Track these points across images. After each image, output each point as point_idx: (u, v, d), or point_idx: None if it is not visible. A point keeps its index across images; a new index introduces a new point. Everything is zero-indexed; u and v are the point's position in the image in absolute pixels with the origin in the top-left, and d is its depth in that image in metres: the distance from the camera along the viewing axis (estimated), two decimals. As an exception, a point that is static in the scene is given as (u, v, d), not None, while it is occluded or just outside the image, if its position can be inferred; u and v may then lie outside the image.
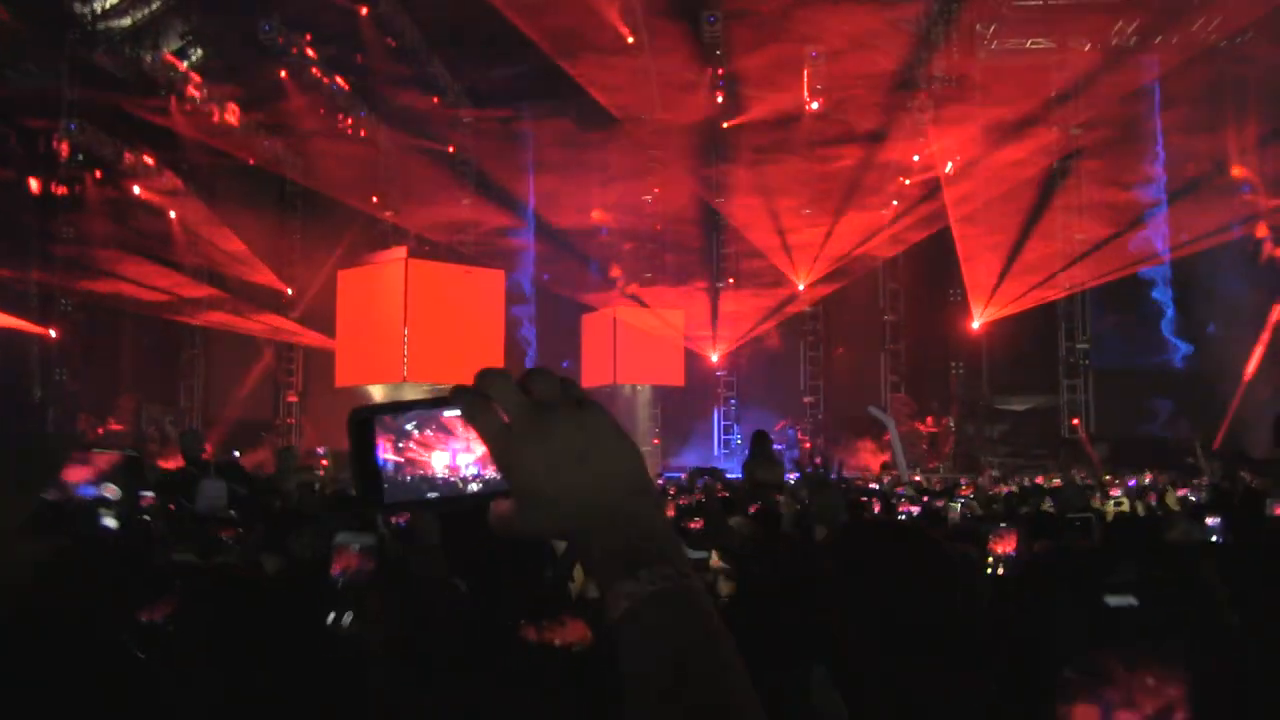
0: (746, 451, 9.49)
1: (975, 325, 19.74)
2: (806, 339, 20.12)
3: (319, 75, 19.76)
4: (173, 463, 17.87)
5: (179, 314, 20.72)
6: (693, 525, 4.55)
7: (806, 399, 20.08)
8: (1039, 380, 19.94)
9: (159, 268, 20.40)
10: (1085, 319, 19.67)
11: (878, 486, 12.27)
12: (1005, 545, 2.90)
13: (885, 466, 18.50)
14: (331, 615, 1.84)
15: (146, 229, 20.58)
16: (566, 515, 0.84)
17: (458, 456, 0.89)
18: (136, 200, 20.27)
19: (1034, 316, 19.54)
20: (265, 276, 21.01)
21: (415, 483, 0.89)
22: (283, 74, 19.83)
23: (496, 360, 19.92)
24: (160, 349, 21.02)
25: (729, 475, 16.07)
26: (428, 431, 0.90)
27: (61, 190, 19.61)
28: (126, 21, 19.24)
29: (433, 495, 0.89)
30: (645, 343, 19.68)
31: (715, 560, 3.73)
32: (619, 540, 0.83)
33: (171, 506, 7.51)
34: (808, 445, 19.80)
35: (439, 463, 0.89)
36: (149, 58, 19.36)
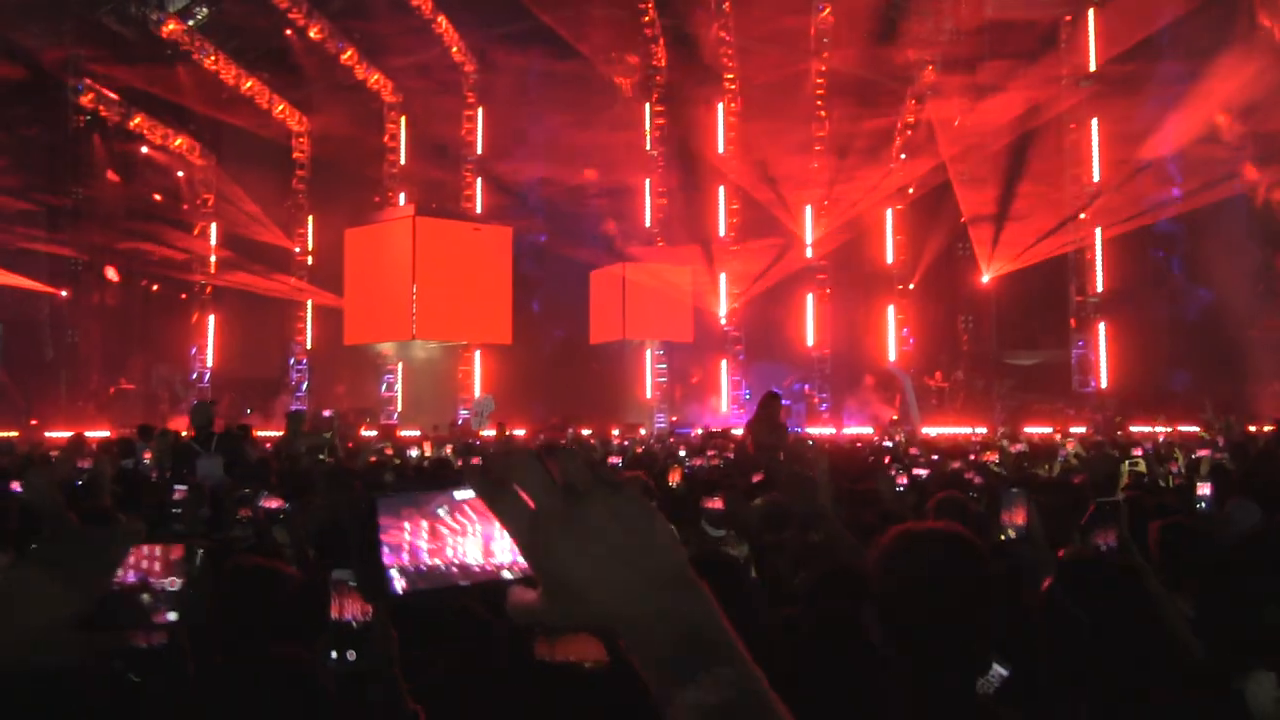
0: (752, 412, 9.33)
1: (985, 279, 19.63)
2: (815, 292, 20.03)
3: (325, 32, 19.72)
4: (183, 424, 18.08)
5: (188, 273, 20.79)
6: (711, 504, 4.31)
7: (814, 353, 20.01)
8: (1049, 334, 19.84)
9: (168, 227, 20.49)
10: (1096, 271, 19.51)
11: (890, 444, 12.09)
12: (1017, 516, 2.79)
13: (895, 422, 18.47)
14: (334, 654, 1.80)
15: (155, 188, 20.66)
16: (598, 610, 0.78)
17: (470, 542, 0.85)
18: (145, 160, 20.34)
19: (1043, 269, 19.40)
20: (274, 235, 21.05)
21: (424, 571, 0.84)
22: (288, 32, 19.81)
23: (505, 318, 19.98)
24: (170, 308, 21.10)
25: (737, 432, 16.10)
26: (460, 517, 0.86)
27: (70, 151, 19.69)
28: (132, -21, 19.22)
29: (442, 584, 0.84)
30: (654, 299, 19.64)
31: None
32: (664, 641, 0.76)
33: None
34: (816, 400, 19.79)
35: (452, 549, 0.85)
36: (155, 17, 19.34)
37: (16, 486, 4.92)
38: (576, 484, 0.79)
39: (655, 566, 0.78)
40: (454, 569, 0.84)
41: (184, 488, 4.94)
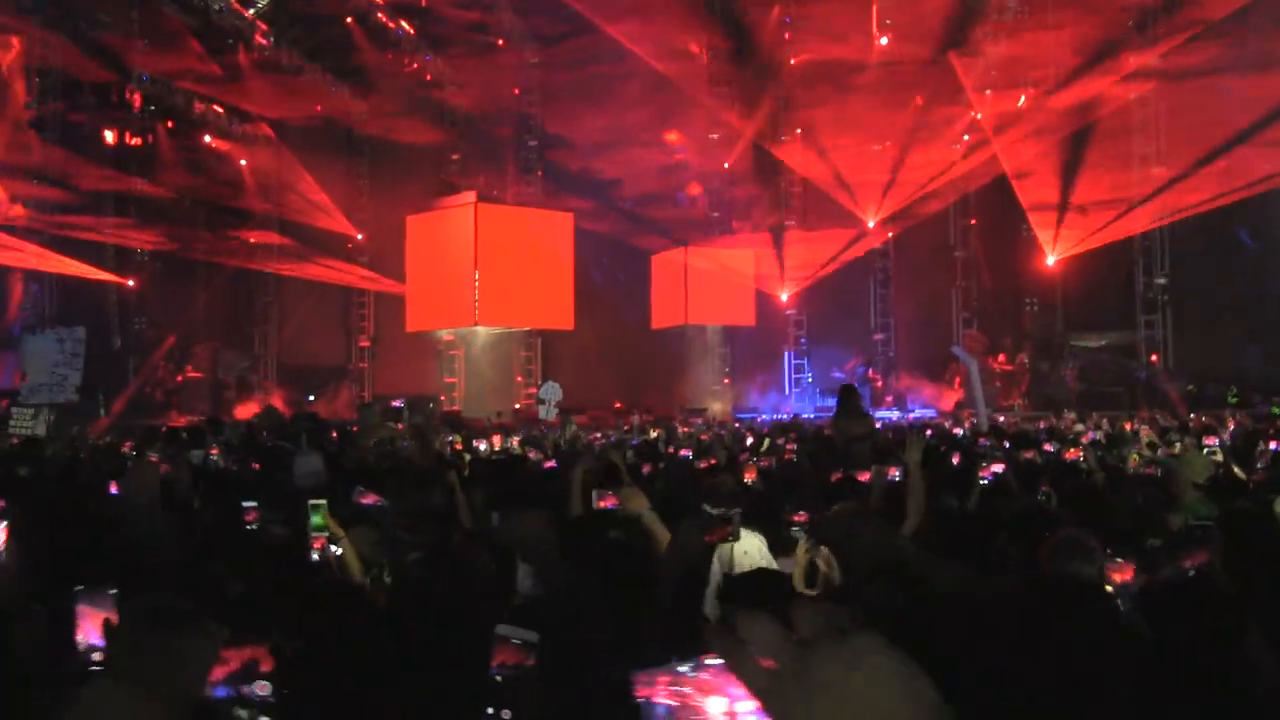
0: (835, 408, 9.07)
1: (1050, 261, 19.45)
2: (877, 276, 19.94)
3: (385, 20, 19.78)
4: (249, 410, 18.28)
5: (252, 261, 20.99)
6: (797, 519, 3.98)
7: (877, 336, 19.95)
8: (1115, 316, 19.64)
9: (232, 216, 20.69)
10: (1164, 253, 19.28)
11: (960, 433, 11.78)
12: (1123, 574, 2.67)
13: (959, 406, 18.39)
14: (490, 710, 1.80)
15: (218, 178, 20.84)
16: None
17: (736, 703, 0.83)
18: (208, 149, 20.52)
19: (1110, 252, 19.18)
20: (336, 223, 21.20)
21: None
22: (349, 20, 19.88)
23: (566, 303, 20.02)
24: (235, 297, 21.32)
25: (804, 417, 16.09)
26: (703, 675, 0.84)
27: (135, 141, 19.90)
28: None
29: None
30: (715, 283, 19.63)
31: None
32: None
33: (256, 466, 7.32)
34: (879, 384, 19.73)
35: (716, 709, 0.83)
36: (217, 7, 19.44)
37: (115, 488, 4.63)
38: (811, 635, 0.76)
39: (899, 710, 0.73)
40: None
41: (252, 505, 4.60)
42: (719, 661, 0.80)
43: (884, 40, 19.54)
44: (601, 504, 3.71)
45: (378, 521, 4.02)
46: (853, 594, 2.85)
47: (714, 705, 0.83)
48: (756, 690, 0.75)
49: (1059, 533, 3.27)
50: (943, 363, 19.24)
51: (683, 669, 0.85)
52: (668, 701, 0.84)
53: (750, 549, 3.74)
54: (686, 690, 0.84)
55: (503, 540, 3.35)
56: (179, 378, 20.57)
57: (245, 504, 4.41)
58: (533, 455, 8.61)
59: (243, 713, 1.17)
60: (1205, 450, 7.50)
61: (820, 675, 0.73)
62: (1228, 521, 3.06)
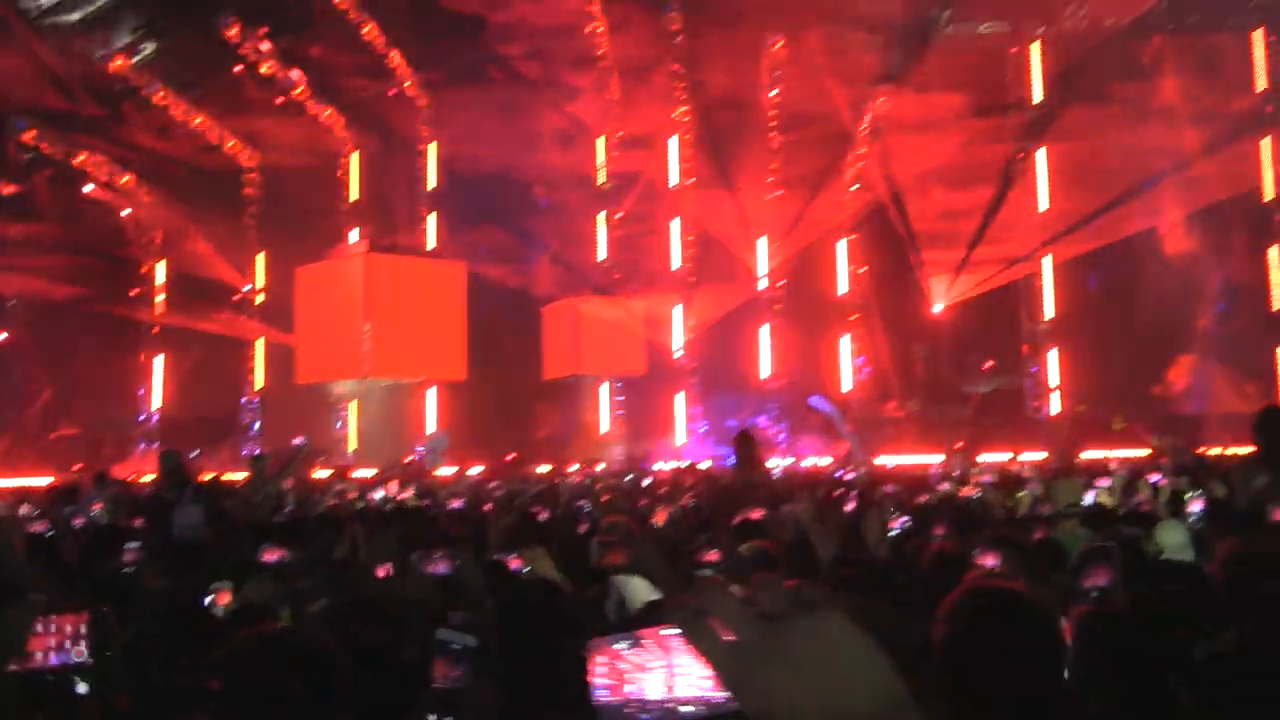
0: (733, 456, 9.26)
1: (937, 308, 19.80)
2: (769, 324, 20.07)
3: (276, 68, 19.59)
4: (129, 467, 17.68)
5: (135, 312, 20.43)
6: (708, 558, 4.20)
7: (770, 384, 20.01)
8: (1002, 360, 20.01)
9: (114, 266, 20.15)
10: (1046, 298, 19.77)
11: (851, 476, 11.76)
12: (1096, 578, 2.68)
13: (849, 455, 18.47)
14: (432, 717, 1.82)
15: (101, 228, 20.32)
16: None
17: (674, 678, 0.85)
18: (89, 199, 20.01)
19: (996, 297, 19.64)
20: (223, 273, 20.76)
21: (636, 711, 0.85)
22: (239, 68, 19.66)
23: (459, 355, 19.81)
24: (116, 349, 20.68)
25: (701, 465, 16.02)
26: (641, 653, 0.87)
27: (11, 189, 19.34)
28: (75, 16, 19.00)
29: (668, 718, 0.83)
30: (607, 333, 19.57)
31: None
32: None
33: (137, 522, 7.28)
34: (773, 432, 19.74)
35: (658, 685, 0.85)
36: (100, 54, 19.13)
37: None
38: (773, 610, 0.77)
39: (863, 688, 0.74)
40: (667, 708, 0.85)
41: (135, 545, 4.71)
42: (662, 635, 0.85)
43: (774, 92, 19.92)
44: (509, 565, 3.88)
45: (277, 573, 4.12)
46: None
47: (652, 681, 0.86)
48: (715, 661, 0.77)
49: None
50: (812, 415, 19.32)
51: (619, 646, 0.88)
52: (606, 680, 0.86)
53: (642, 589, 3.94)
54: (624, 666, 0.87)
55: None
56: (53, 434, 19.83)
57: (128, 545, 4.56)
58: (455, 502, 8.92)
59: (59, 677, 1.10)
60: (1096, 490, 8.30)
61: (781, 647, 0.74)
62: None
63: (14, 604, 0.98)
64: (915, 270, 20.07)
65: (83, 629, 1.16)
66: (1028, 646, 1.74)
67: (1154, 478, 9.33)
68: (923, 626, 1.79)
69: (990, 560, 3.55)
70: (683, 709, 0.83)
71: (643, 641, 0.87)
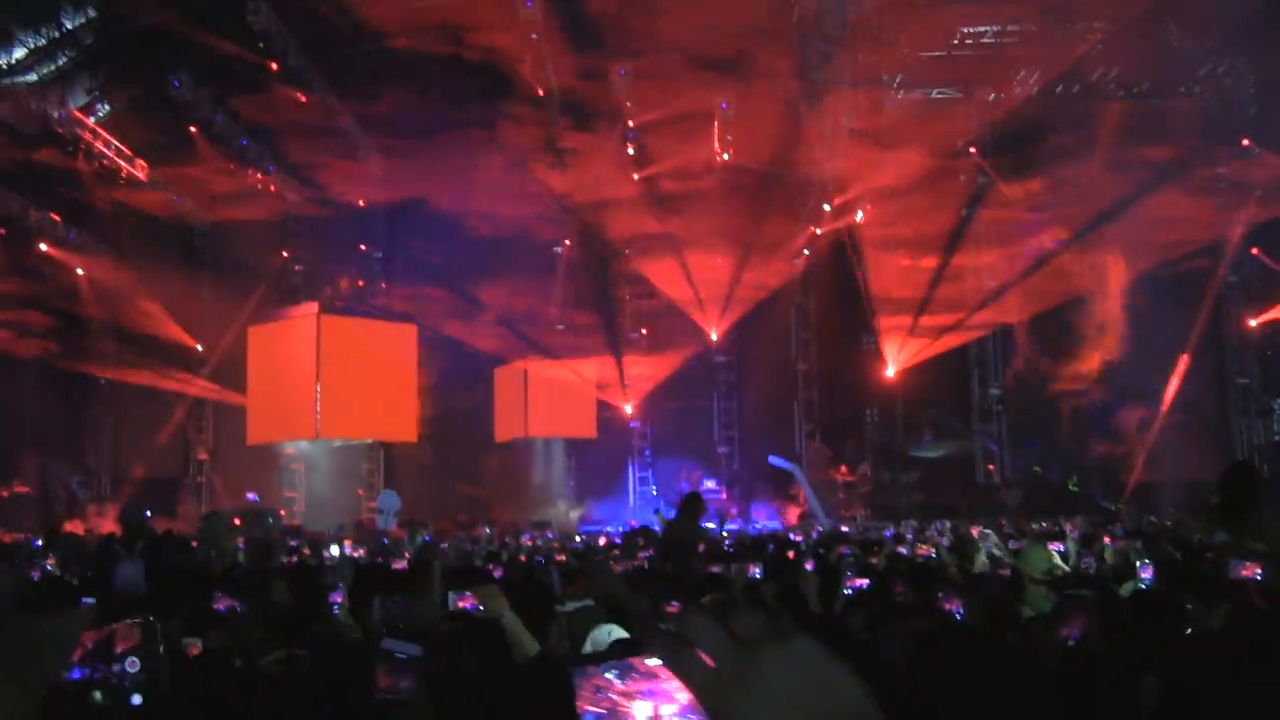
0: (676, 512, 9.32)
1: (889, 373, 19.79)
2: (720, 388, 20.05)
3: (228, 130, 19.65)
4: (79, 525, 17.57)
5: (86, 370, 20.38)
6: (670, 609, 4.43)
7: (721, 449, 19.98)
8: (953, 426, 20.00)
9: (65, 323, 20.11)
10: (997, 363, 19.76)
11: (801, 539, 11.94)
12: (1072, 628, 2.73)
13: (803, 517, 18.42)
14: None
15: (53, 286, 20.29)
16: None
17: (661, 707, 0.85)
18: (43, 256, 20.00)
19: (947, 362, 19.64)
20: (175, 332, 20.73)
21: None
22: (192, 129, 19.72)
23: (410, 415, 19.77)
24: (66, 406, 20.61)
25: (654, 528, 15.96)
26: (629, 681, 0.86)
27: (-36, 247, 19.34)
28: (32, 77, 19.07)
29: None
30: (557, 395, 19.56)
31: None
32: None
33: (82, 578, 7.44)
34: (724, 496, 19.70)
35: (641, 714, 0.85)
36: (56, 114, 19.17)
37: None
38: (751, 637, 0.78)
39: (830, 710, 0.76)
40: None
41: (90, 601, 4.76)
42: (649, 665, 0.84)
43: (725, 156, 19.97)
44: (460, 604, 3.92)
45: (227, 621, 4.28)
46: None
47: (640, 710, 0.84)
48: (696, 687, 0.78)
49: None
50: (782, 475, 19.30)
51: (609, 675, 0.85)
52: (595, 710, 0.84)
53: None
54: (613, 696, 0.84)
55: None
56: (3, 492, 19.74)
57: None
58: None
59: (98, 694, 1.14)
60: (1048, 555, 8.41)
61: (759, 674, 0.76)
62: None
63: (65, 613, 0.98)
64: (868, 334, 20.09)
65: (135, 640, 1.19)
66: (989, 681, 1.82)
67: (1108, 541, 9.57)
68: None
69: (954, 606, 3.61)
70: None
71: (632, 670, 0.85)
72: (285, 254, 21.26)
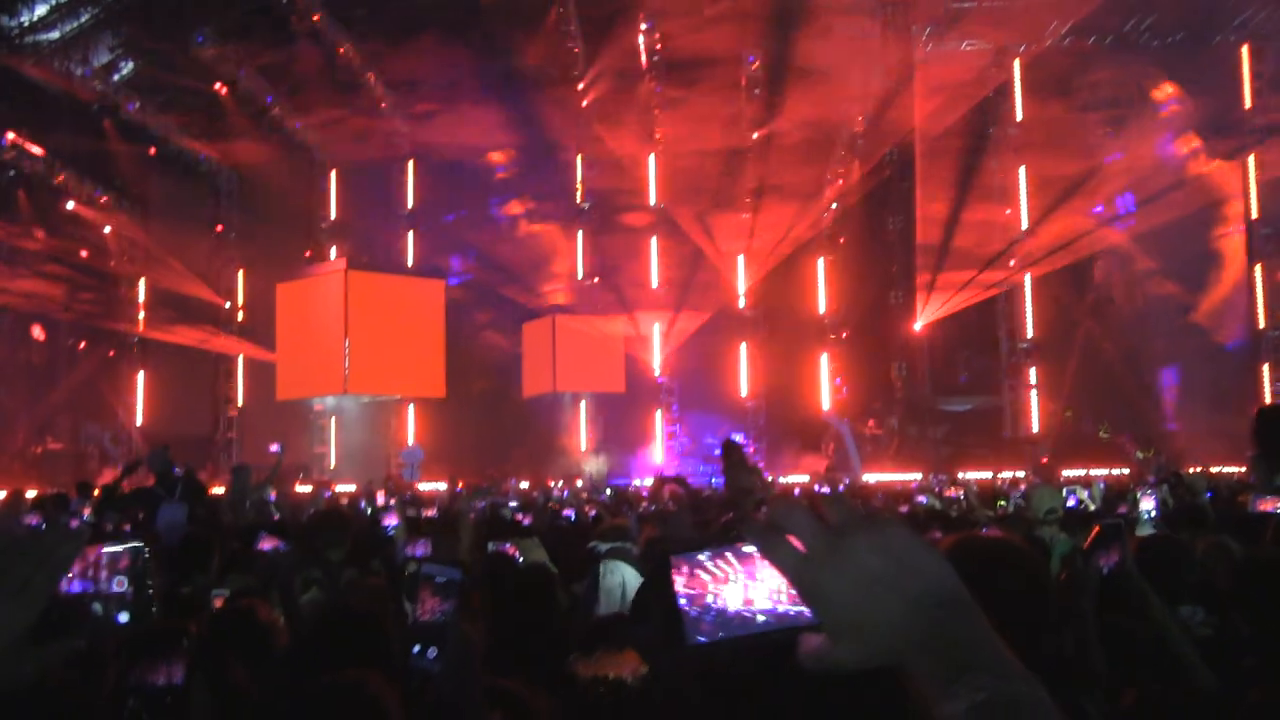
0: (722, 461, 9.37)
1: (917, 326, 19.73)
2: (747, 342, 20.03)
3: (254, 89, 19.59)
4: (110, 478, 17.76)
5: (116, 327, 20.50)
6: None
7: (748, 402, 19.99)
8: (981, 379, 19.95)
9: (95, 282, 20.22)
10: (1026, 315, 19.67)
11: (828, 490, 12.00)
12: (1110, 557, 2.75)
13: (830, 469, 18.45)
14: (416, 649, 1.89)
15: (82, 243, 20.38)
16: (879, 643, 0.80)
17: (753, 590, 0.89)
18: (71, 215, 20.07)
19: (976, 315, 19.55)
20: (203, 290, 20.81)
21: (717, 621, 0.89)
22: (217, 86, 19.67)
23: (438, 371, 19.84)
24: (98, 365, 20.77)
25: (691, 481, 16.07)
26: (722, 564, 0.90)
27: (-7, 207, 19.40)
28: (55, 35, 19.02)
29: (736, 633, 0.88)
30: (585, 350, 19.57)
31: None
32: (933, 658, 0.79)
33: (126, 526, 7.50)
34: (751, 449, 19.73)
35: (737, 599, 0.89)
36: (80, 73, 19.14)
37: None
38: (843, 525, 0.82)
39: (921, 590, 0.80)
40: (746, 619, 0.88)
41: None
42: (744, 550, 0.88)
43: (754, 104, 19.81)
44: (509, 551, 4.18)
45: (270, 561, 4.32)
46: None
47: (731, 592, 0.88)
48: (789, 571, 0.83)
49: None
50: (815, 430, 19.30)
51: (703, 558, 0.89)
52: (687, 590, 0.88)
53: (627, 578, 4.28)
54: (705, 578, 0.89)
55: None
56: (38, 448, 19.95)
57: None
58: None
59: (97, 605, 1.20)
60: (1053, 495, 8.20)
61: (850, 557, 0.81)
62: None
63: (63, 533, 1.05)
64: (898, 287, 20.01)
65: (124, 563, 1.26)
66: (1018, 581, 1.88)
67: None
68: None
69: None
70: (759, 619, 0.87)
71: (724, 554, 0.90)
72: (313, 210, 21.25)
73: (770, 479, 15.84)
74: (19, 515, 9.01)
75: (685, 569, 0.90)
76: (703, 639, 0.88)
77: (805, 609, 0.85)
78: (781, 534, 0.83)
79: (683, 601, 0.89)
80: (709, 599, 0.89)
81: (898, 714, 0.97)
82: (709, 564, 0.90)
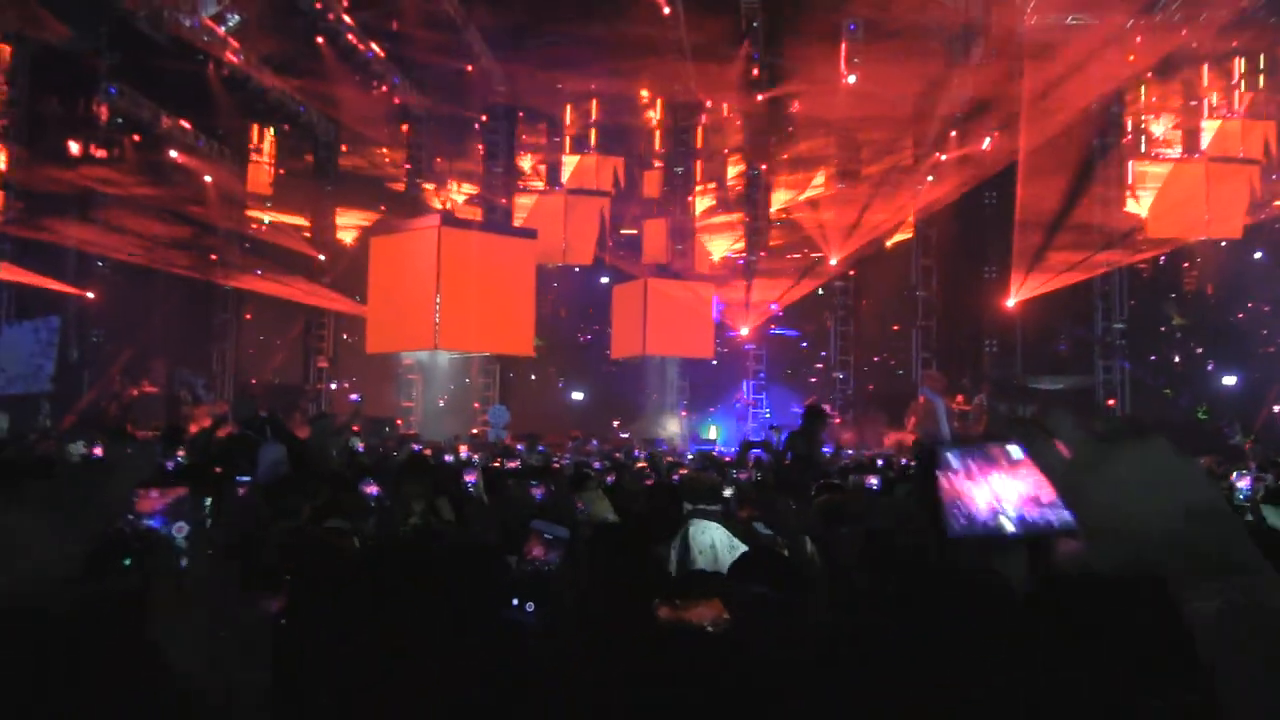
0: (801, 424, 9.29)
1: (1010, 303, 19.51)
2: (838, 314, 19.93)
3: (355, 41, 19.80)
4: (202, 425, 18.04)
5: (212, 277, 20.86)
6: (742, 514, 4.69)
7: (837, 374, 19.90)
8: (1074, 359, 19.70)
9: (194, 231, 20.58)
10: (1122, 298, 19.38)
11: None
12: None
13: (917, 444, 18.32)
14: (515, 601, 1.92)
15: (182, 193, 20.76)
16: (1137, 547, 0.83)
17: (999, 489, 0.92)
18: (173, 164, 20.43)
19: (1070, 295, 19.30)
20: (298, 242, 21.10)
21: (979, 516, 0.92)
22: (319, 40, 19.91)
23: (527, 328, 19.96)
24: (193, 312, 21.15)
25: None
26: (972, 463, 0.94)
27: (100, 153, 19.79)
28: (165, -14, 19.34)
29: (994, 531, 0.92)
30: (676, 315, 19.58)
31: None
32: (1192, 562, 0.82)
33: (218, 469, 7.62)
34: (837, 421, 19.65)
35: (980, 496, 0.92)
36: (187, 22, 19.46)
37: None
38: (1109, 434, 0.86)
39: (1184, 499, 0.83)
40: (1006, 518, 0.92)
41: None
42: (991, 451, 0.92)
43: (852, 79, 19.67)
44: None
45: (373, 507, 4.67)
46: (841, 579, 3.39)
47: (979, 493, 0.92)
48: (1054, 474, 0.87)
49: None
50: (903, 403, 19.18)
51: (950, 456, 0.93)
52: (948, 485, 0.93)
53: (717, 539, 4.35)
54: (952, 477, 0.93)
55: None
56: (134, 391, 20.34)
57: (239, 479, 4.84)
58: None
59: (181, 538, 1.23)
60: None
61: (1116, 465, 0.84)
62: None
63: (120, 465, 1.08)
64: (990, 263, 19.79)
65: (184, 506, 1.28)
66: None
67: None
68: None
69: None
70: (1007, 523, 0.90)
71: (973, 455, 0.93)
72: (409, 165, 21.44)
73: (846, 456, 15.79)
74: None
75: (952, 464, 0.93)
76: (961, 531, 0.91)
77: (1052, 517, 0.88)
78: (1049, 437, 0.86)
79: (947, 495, 0.92)
80: (964, 497, 0.91)
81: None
82: (970, 462, 0.92)
